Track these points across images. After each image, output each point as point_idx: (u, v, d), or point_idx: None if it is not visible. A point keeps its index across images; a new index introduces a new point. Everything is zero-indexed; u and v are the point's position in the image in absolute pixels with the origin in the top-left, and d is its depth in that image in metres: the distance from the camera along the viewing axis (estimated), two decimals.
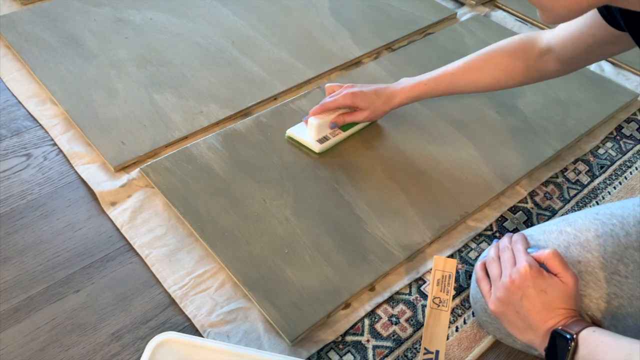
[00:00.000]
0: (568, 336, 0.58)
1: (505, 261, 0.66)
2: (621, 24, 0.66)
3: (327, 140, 0.95)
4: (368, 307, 0.78)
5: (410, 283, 0.82)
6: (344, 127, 0.97)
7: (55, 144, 0.97)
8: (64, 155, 0.95)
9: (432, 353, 0.69)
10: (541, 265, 0.64)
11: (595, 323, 0.64)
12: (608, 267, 0.66)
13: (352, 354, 0.74)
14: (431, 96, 0.94)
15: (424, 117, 1.04)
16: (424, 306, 0.79)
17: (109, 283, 0.79)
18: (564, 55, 0.81)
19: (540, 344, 0.61)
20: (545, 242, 0.70)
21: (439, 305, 0.71)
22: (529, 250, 0.66)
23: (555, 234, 0.71)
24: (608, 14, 0.70)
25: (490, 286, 0.67)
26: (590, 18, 0.74)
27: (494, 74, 0.88)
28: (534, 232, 0.73)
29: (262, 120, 1.01)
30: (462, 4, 1.37)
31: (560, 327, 0.59)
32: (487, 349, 0.76)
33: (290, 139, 0.97)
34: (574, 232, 0.70)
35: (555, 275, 0.62)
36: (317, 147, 0.94)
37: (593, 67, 1.20)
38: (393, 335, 0.76)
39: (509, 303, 0.63)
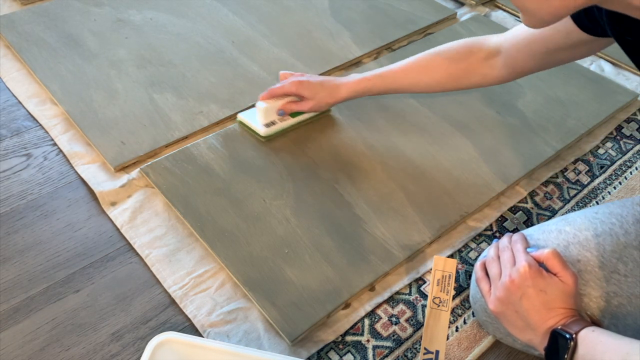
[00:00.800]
0: (567, 336, 0.58)
1: (505, 261, 0.66)
2: (599, 29, 0.67)
3: (274, 125, 0.96)
4: (368, 307, 0.78)
5: (410, 283, 0.82)
6: (294, 114, 0.98)
7: (55, 144, 0.97)
8: (64, 155, 0.95)
9: (432, 353, 0.69)
10: (541, 264, 0.64)
11: (595, 323, 0.64)
12: (607, 266, 0.66)
13: (352, 354, 0.74)
14: (375, 93, 0.95)
15: (424, 117, 1.04)
16: (424, 306, 0.79)
17: (109, 283, 0.79)
18: (515, 59, 0.82)
19: (539, 343, 0.62)
20: (544, 242, 0.70)
21: (439, 305, 0.71)
22: (528, 250, 0.66)
23: (555, 233, 0.71)
24: (586, 17, 0.69)
25: (490, 286, 0.67)
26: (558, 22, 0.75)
27: (434, 76, 0.89)
28: (534, 232, 0.73)
29: None
30: (462, 4, 1.37)
31: (559, 327, 0.60)
32: (487, 349, 0.76)
33: (241, 123, 0.99)
34: (573, 231, 0.70)
35: (555, 274, 0.62)
36: (263, 131, 0.96)
37: (593, 67, 1.20)
38: (393, 335, 0.76)
39: (509, 303, 0.63)
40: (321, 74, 1.13)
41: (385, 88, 0.93)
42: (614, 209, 0.71)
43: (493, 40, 0.85)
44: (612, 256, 0.67)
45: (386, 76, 0.92)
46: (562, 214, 0.92)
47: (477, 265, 0.71)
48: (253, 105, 0.99)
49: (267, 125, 0.96)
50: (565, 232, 0.70)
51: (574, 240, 0.69)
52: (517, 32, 0.82)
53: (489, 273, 0.68)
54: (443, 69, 0.88)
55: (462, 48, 0.87)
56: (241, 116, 0.99)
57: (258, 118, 0.96)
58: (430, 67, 0.89)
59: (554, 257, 0.63)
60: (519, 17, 1.33)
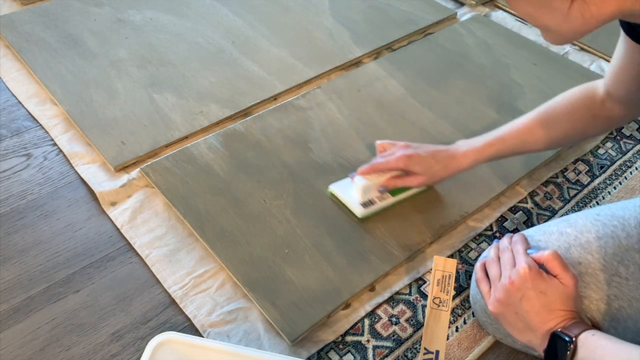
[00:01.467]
0: (567, 339, 0.58)
1: (505, 262, 0.66)
2: None
3: (373, 205, 0.86)
4: (368, 307, 0.78)
5: (410, 283, 0.82)
6: (394, 191, 0.87)
7: (55, 144, 0.97)
8: (64, 155, 0.95)
9: (432, 353, 0.69)
10: (541, 266, 0.64)
11: (595, 325, 0.64)
12: (608, 269, 0.66)
13: (352, 354, 0.74)
14: (498, 158, 0.86)
15: (424, 117, 1.04)
16: (424, 306, 0.79)
17: (109, 283, 0.79)
18: (620, 95, 0.77)
19: (539, 345, 0.61)
20: (545, 243, 0.70)
21: (439, 305, 0.71)
22: (528, 251, 0.66)
23: (556, 235, 0.71)
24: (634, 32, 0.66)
25: (490, 287, 0.67)
26: (624, 47, 0.71)
27: (563, 129, 0.82)
28: (534, 233, 0.73)
29: (262, 120, 1.01)
30: (462, 4, 1.37)
31: (559, 329, 0.59)
32: (487, 349, 0.76)
33: (333, 195, 0.89)
34: (575, 233, 0.70)
35: (555, 276, 0.62)
36: (360, 212, 0.85)
37: (593, 66, 1.20)
38: (393, 336, 0.76)
39: (509, 304, 0.63)
40: (321, 74, 1.13)
41: (511, 150, 0.84)
42: (616, 211, 0.70)
43: (600, 82, 0.80)
44: (613, 259, 0.66)
45: (508, 138, 0.83)
46: (562, 214, 0.92)
47: (477, 266, 0.71)
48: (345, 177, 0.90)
49: (365, 204, 0.85)
50: (566, 233, 0.70)
51: (575, 243, 0.69)
52: (612, 69, 0.77)
53: (489, 274, 0.68)
54: (567, 122, 0.81)
55: (580, 96, 0.81)
56: (334, 189, 0.88)
57: (355, 194, 0.86)
58: (555, 120, 0.81)
59: (555, 259, 0.62)
60: (519, 18, 1.33)
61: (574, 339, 0.58)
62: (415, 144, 0.86)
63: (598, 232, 0.68)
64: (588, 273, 0.67)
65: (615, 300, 0.65)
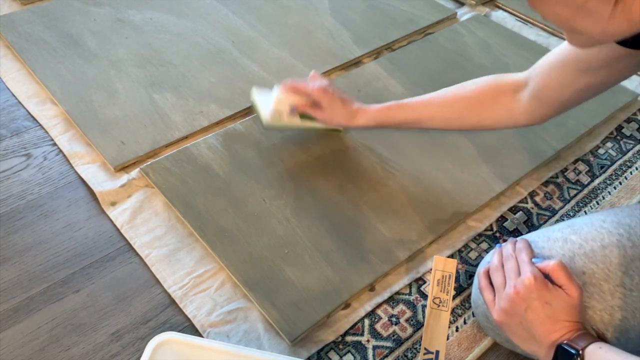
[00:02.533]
0: (573, 352, 0.57)
1: (509, 271, 0.65)
2: None
3: (280, 119, 0.92)
4: (368, 307, 0.78)
5: (410, 283, 0.82)
6: (303, 117, 0.93)
7: (55, 144, 0.97)
8: (64, 155, 0.95)
9: (432, 353, 0.69)
10: (545, 276, 0.63)
11: (600, 337, 0.64)
12: (613, 279, 0.65)
13: (352, 354, 0.74)
14: (394, 124, 0.89)
15: None
16: (424, 306, 0.79)
17: (109, 283, 0.79)
18: (542, 88, 0.75)
19: (544, 356, 0.61)
20: (549, 251, 0.69)
21: (439, 306, 0.71)
22: (533, 260, 0.65)
23: (560, 242, 0.69)
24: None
25: (494, 295, 0.66)
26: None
27: (456, 108, 0.84)
28: (538, 239, 0.71)
29: None
30: (462, 4, 1.37)
31: (565, 341, 0.59)
32: (487, 349, 0.76)
33: (253, 99, 0.95)
34: (579, 241, 0.68)
35: (560, 287, 0.61)
36: (265, 120, 0.92)
37: None
38: (393, 336, 0.76)
39: (513, 314, 0.63)
40: (321, 74, 1.13)
41: (405, 119, 0.88)
42: (622, 219, 0.69)
43: (521, 73, 0.80)
44: (618, 269, 0.65)
45: (406, 107, 0.87)
46: (563, 214, 0.92)
47: (480, 272, 0.70)
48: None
49: (273, 115, 0.91)
50: (571, 241, 0.69)
51: (580, 252, 0.67)
52: (545, 60, 0.76)
53: (492, 282, 0.67)
54: (465, 101, 0.83)
55: (486, 81, 0.83)
56: (255, 92, 0.95)
57: (269, 103, 0.91)
58: (452, 99, 0.84)
59: (560, 269, 0.62)
60: (519, 18, 1.33)
61: (580, 351, 0.57)
62: (340, 89, 0.92)
63: (603, 240, 0.67)
64: (592, 283, 0.65)
65: (618, 311, 0.65)
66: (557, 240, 0.70)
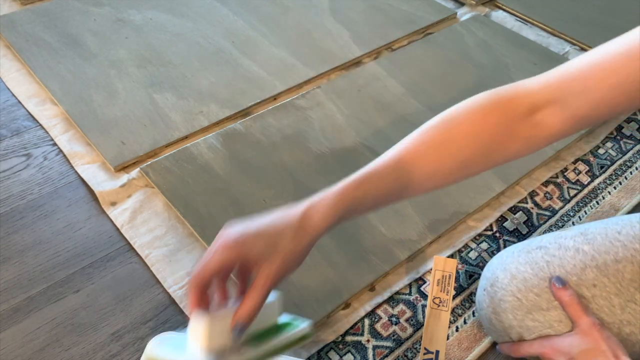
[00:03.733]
0: None
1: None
2: None
3: None
4: (368, 307, 0.78)
5: (410, 283, 0.82)
6: (257, 337, 0.53)
7: (55, 144, 0.97)
8: (64, 155, 0.95)
9: (432, 353, 0.69)
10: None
11: None
12: (624, 294, 0.64)
13: (352, 354, 0.74)
14: (368, 208, 0.56)
15: (424, 118, 1.04)
16: (424, 306, 0.79)
17: (109, 283, 0.79)
18: (576, 106, 0.54)
19: None
20: (560, 260, 0.67)
21: (439, 305, 0.71)
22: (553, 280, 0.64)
23: (572, 251, 0.67)
24: None
25: None
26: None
27: (455, 157, 0.56)
28: (550, 245, 0.70)
29: (262, 120, 1.01)
30: (462, 4, 1.37)
31: None
32: (487, 349, 0.76)
33: None
34: (592, 252, 0.66)
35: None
36: None
37: None
38: (393, 335, 0.76)
39: None
40: (321, 74, 1.13)
41: (386, 192, 0.56)
42: (639, 232, 0.66)
43: (532, 86, 0.57)
44: (630, 285, 0.64)
45: (380, 175, 0.55)
46: (563, 214, 0.92)
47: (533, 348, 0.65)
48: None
49: None
50: (583, 252, 0.67)
51: (592, 264, 0.66)
52: (576, 65, 0.54)
53: None
54: (466, 144, 0.56)
55: (488, 106, 0.57)
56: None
57: (194, 348, 0.50)
58: (445, 145, 0.56)
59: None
60: (519, 18, 1.33)
61: None
62: (236, 224, 0.52)
63: (617, 254, 0.65)
64: (602, 297, 0.65)
65: (627, 325, 0.64)
66: (569, 249, 0.68)
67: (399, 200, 0.57)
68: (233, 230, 0.50)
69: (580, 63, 0.54)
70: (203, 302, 0.50)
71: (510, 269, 0.68)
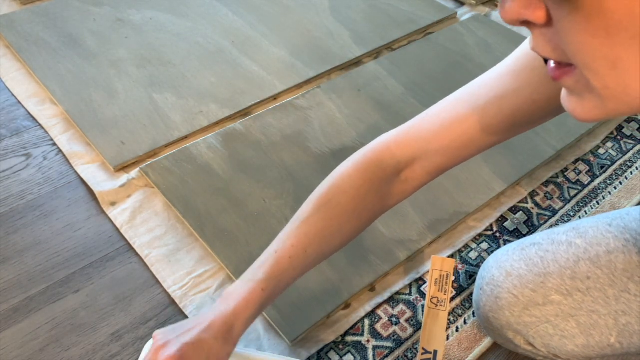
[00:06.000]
0: None
1: None
2: None
3: None
4: (368, 307, 0.78)
5: (411, 283, 0.81)
6: None
7: (55, 144, 0.97)
8: (64, 155, 0.95)
9: (430, 353, 0.69)
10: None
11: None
12: (618, 285, 0.64)
13: (352, 354, 0.73)
14: (283, 289, 0.60)
15: None
16: (424, 306, 0.79)
17: (109, 283, 0.79)
18: (451, 154, 0.59)
19: None
20: (553, 254, 0.68)
21: (436, 305, 0.71)
22: None
23: (565, 245, 0.68)
24: None
25: None
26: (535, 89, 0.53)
27: (341, 230, 0.60)
28: (543, 241, 0.70)
29: (262, 119, 1.01)
30: (462, 4, 1.37)
31: None
32: (487, 349, 0.76)
33: None
34: (585, 245, 0.67)
35: None
36: None
37: None
38: (393, 336, 0.76)
39: None
40: (321, 74, 1.13)
41: (289, 282, 0.60)
42: (629, 223, 0.67)
43: (392, 147, 0.61)
44: (623, 275, 0.64)
45: (277, 272, 0.59)
46: (563, 214, 0.92)
47: None
48: None
49: None
50: (576, 245, 0.68)
51: (585, 256, 0.66)
52: (451, 115, 0.58)
53: None
54: (347, 220, 0.60)
55: (359, 179, 0.60)
56: None
57: None
58: (326, 231, 0.59)
59: None
60: None
61: None
62: (163, 333, 0.55)
63: (609, 245, 0.66)
64: (596, 288, 0.65)
65: (623, 316, 0.64)
66: (562, 243, 0.69)
67: (297, 279, 0.61)
68: (172, 349, 0.52)
69: (439, 119, 0.59)
70: None
71: (506, 267, 0.69)
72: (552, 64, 0.35)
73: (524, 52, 0.54)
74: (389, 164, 0.60)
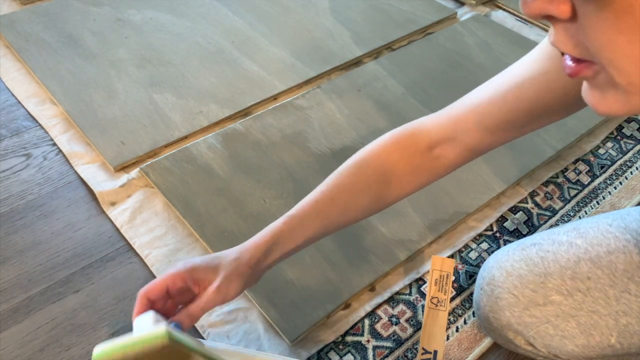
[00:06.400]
0: None
1: None
2: None
3: None
4: (368, 307, 0.78)
5: (411, 283, 0.81)
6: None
7: (55, 144, 0.97)
8: (64, 155, 0.95)
9: (430, 353, 0.69)
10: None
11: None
12: (618, 285, 0.64)
13: (352, 354, 0.73)
14: (289, 250, 0.61)
15: None
16: (424, 306, 0.79)
17: (109, 283, 0.79)
18: (478, 139, 0.60)
19: None
20: (554, 255, 0.68)
21: (436, 305, 0.71)
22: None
23: (565, 246, 0.68)
24: None
25: None
26: (542, 65, 0.54)
27: (363, 195, 0.62)
28: (543, 241, 0.70)
29: (262, 119, 1.01)
30: (462, 4, 1.37)
31: None
32: (488, 349, 0.76)
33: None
34: (585, 245, 0.67)
35: None
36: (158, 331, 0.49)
37: None
38: (393, 336, 0.76)
39: None
40: (321, 74, 1.13)
41: (305, 232, 0.61)
42: (630, 223, 0.67)
43: (428, 126, 0.63)
44: (624, 275, 0.64)
45: (298, 217, 0.61)
46: (563, 214, 0.92)
47: None
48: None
49: None
50: (576, 245, 0.67)
51: (585, 257, 0.66)
52: (476, 100, 0.60)
53: None
54: (375, 180, 0.62)
55: (392, 146, 0.63)
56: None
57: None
58: (355, 185, 0.62)
59: None
60: (519, 17, 1.32)
61: None
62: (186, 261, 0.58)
63: (609, 246, 0.66)
64: (597, 288, 0.65)
65: (623, 316, 0.64)
66: (563, 243, 0.69)
67: (323, 236, 0.64)
68: (179, 263, 0.58)
69: (465, 104, 0.61)
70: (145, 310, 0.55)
71: (506, 267, 0.69)
72: (568, 60, 0.34)
73: (544, 40, 0.55)
74: (422, 139, 0.63)
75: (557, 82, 0.53)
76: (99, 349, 0.49)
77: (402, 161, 0.63)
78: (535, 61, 0.55)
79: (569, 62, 0.34)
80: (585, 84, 0.35)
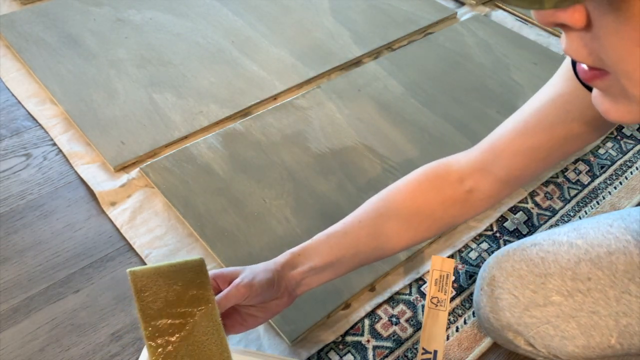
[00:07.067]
0: None
1: None
2: None
3: None
4: (368, 307, 0.78)
5: (411, 283, 0.81)
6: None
7: (55, 144, 0.97)
8: (64, 155, 0.95)
9: (430, 353, 0.69)
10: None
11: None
12: (619, 286, 0.64)
13: (352, 354, 0.73)
14: (320, 261, 0.62)
15: (424, 117, 1.04)
16: (424, 306, 0.79)
17: (109, 283, 0.79)
18: (510, 168, 0.60)
19: None
20: (554, 255, 0.68)
21: (436, 305, 0.71)
22: None
23: (566, 246, 0.68)
24: None
25: None
26: (561, 95, 0.54)
27: (397, 228, 0.63)
28: (543, 241, 0.70)
29: (262, 119, 1.01)
30: (462, 4, 1.37)
31: None
32: (488, 349, 0.76)
33: None
34: (585, 246, 0.67)
35: None
36: None
37: None
38: (393, 336, 0.76)
39: None
40: (321, 74, 1.13)
41: (328, 253, 0.62)
42: (630, 224, 0.67)
43: (460, 159, 0.64)
44: (624, 276, 0.64)
45: (325, 239, 0.63)
46: (563, 214, 0.92)
47: None
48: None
49: None
50: (576, 246, 0.67)
51: (586, 257, 0.66)
52: (502, 129, 0.60)
53: None
54: (400, 207, 0.63)
55: (422, 177, 0.64)
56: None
57: None
58: (383, 209, 0.63)
59: None
60: (519, 17, 1.32)
61: None
62: (243, 269, 0.60)
63: (610, 246, 0.66)
64: (597, 289, 0.65)
65: (623, 317, 0.64)
66: (563, 244, 0.68)
67: (358, 261, 0.64)
68: (245, 275, 0.59)
69: (495, 133, 0.61)
70: None
71: (506, 267, 0.69)
72: (584, 65, 0.34)
73: (563, 63, 0.55)
74: (453, 170, 0.63)
75: (573, 103, 0.54)
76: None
77: (432, 190, 0.63)
78: (554, 84, 0.56)
79: (584, 66, 0.34)
80: (595, 91, 0.35)
